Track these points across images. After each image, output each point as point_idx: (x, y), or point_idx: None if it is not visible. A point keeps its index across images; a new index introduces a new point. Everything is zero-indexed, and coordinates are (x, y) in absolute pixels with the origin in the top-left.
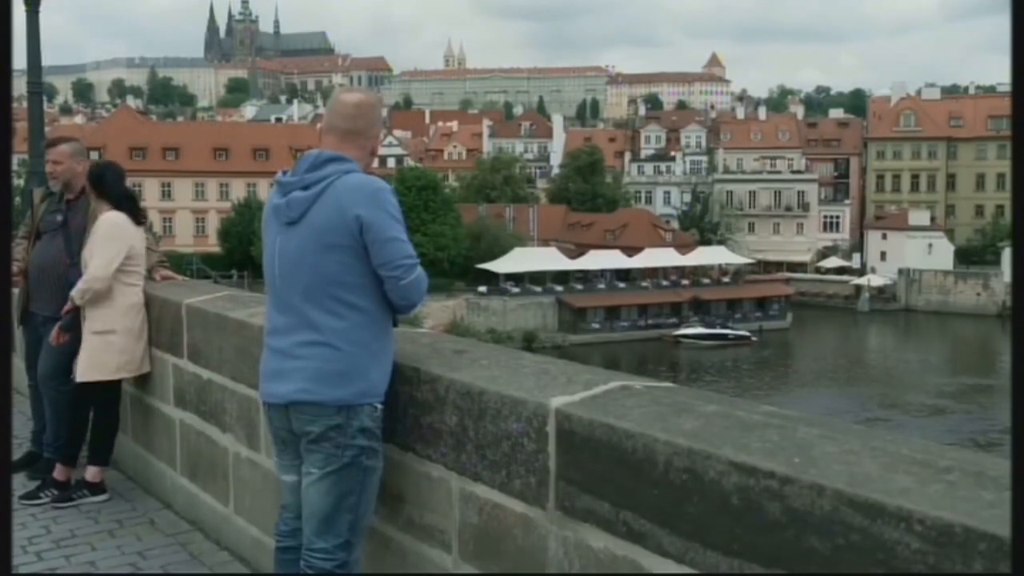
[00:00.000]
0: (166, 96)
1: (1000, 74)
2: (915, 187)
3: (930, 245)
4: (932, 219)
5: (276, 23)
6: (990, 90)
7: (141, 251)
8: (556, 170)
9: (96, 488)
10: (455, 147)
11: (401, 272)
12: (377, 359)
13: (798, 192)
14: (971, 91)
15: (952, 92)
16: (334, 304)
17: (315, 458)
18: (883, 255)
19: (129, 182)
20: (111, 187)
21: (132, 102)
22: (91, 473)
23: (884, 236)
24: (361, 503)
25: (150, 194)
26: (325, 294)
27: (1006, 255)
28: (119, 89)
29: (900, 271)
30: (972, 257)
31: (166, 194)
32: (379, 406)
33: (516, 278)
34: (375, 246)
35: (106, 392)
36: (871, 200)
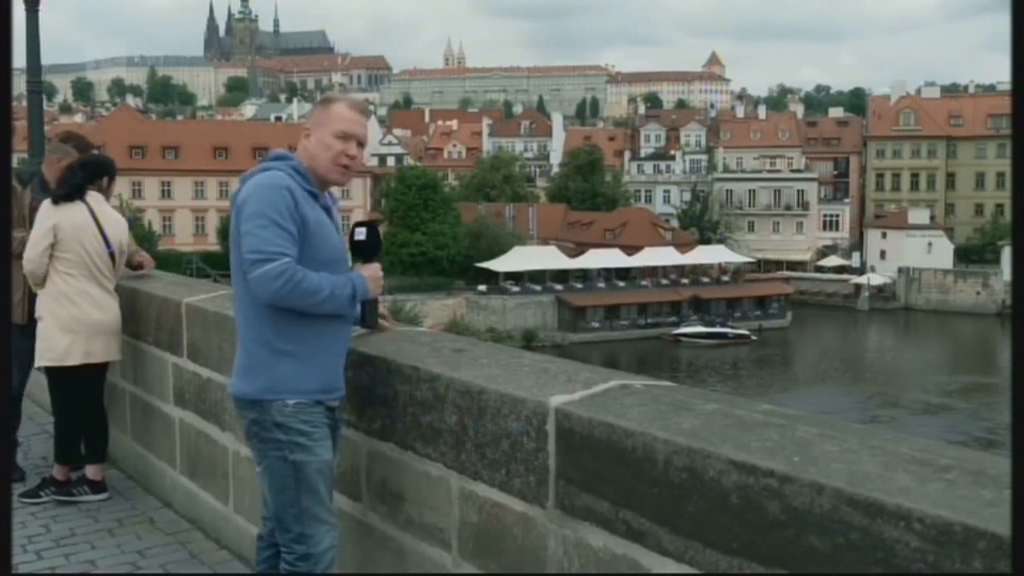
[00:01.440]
0: (166, 95)
1: (1000, 73)
2: (915, 186)
3: (930, 244)
4: (932, 218)
5: (276, 22)
6: (990, 89)
7: (73, 238)
8: (556, 169)
9: (96, 487)
10: (455, 146)
11: (247, 266)
12: (288, 357)
13: (798, 191)
14: (971, 90)
15: (952, 91)
16: (238, 299)
17: (253, 453)
18: (883, 254)
19: (129, 181)
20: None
21: (132, 101)
22: (90, 471)
23: (884, 235)
24: (301, 497)
25: (150, 193)
26: (237, 290)
27: (1006, 254)
28: (119, 88)
29: (900, 270)
30: (972, 256)
31: (166, 193)
32: (291, 403)
33: (516, 277)
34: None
35: (68, 383)
36: (871, 199)
